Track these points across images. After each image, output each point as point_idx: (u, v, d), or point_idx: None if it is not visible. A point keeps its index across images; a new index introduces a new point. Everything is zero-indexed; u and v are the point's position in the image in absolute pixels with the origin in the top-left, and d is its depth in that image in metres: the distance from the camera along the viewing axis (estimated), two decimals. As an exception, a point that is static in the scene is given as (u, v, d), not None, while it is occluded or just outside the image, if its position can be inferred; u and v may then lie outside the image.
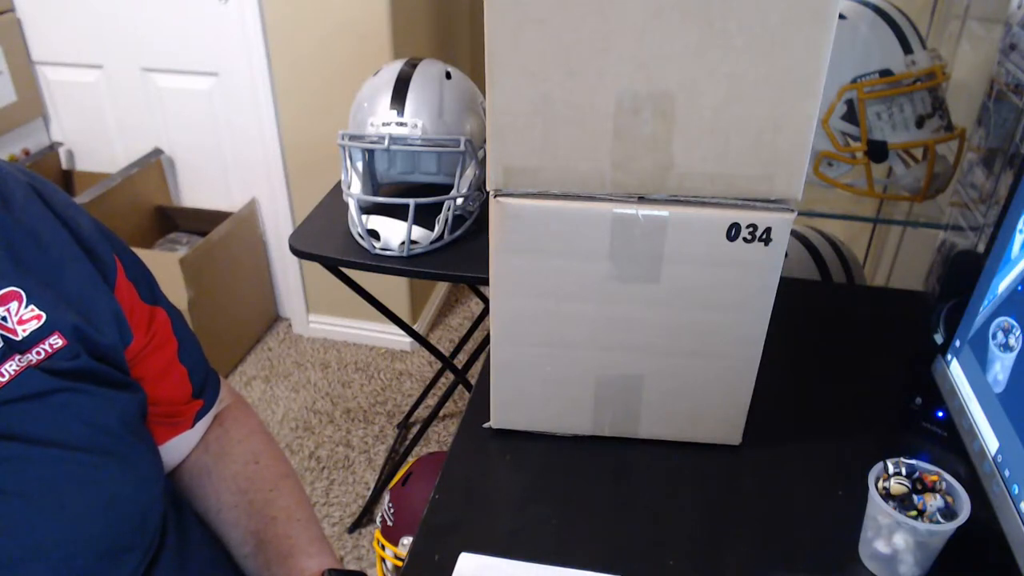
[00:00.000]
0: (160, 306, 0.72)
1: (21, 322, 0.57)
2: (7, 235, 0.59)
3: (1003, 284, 0.73)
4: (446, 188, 1.42)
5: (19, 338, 0.57)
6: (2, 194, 0.61)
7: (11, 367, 0.56)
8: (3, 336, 0.57)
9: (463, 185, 1.39)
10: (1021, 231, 0.72)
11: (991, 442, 0.71)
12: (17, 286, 0.58)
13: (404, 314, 2.30)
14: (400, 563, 1.32)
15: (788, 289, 0.75)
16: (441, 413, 2.01)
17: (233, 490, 0.77)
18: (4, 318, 0.57)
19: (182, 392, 0.75)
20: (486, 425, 0.86)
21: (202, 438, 0.80)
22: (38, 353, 0.58)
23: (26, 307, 0.58)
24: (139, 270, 0.71)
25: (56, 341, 0.59)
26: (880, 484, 0.69)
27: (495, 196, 0.70)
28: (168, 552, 0.66)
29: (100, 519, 0.59)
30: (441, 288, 2.60)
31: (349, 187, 1.41)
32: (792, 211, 0.69)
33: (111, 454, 0.60)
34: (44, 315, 0.58)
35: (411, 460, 1.56)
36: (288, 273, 2.39)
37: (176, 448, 0.77)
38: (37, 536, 0.55)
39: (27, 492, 0.55)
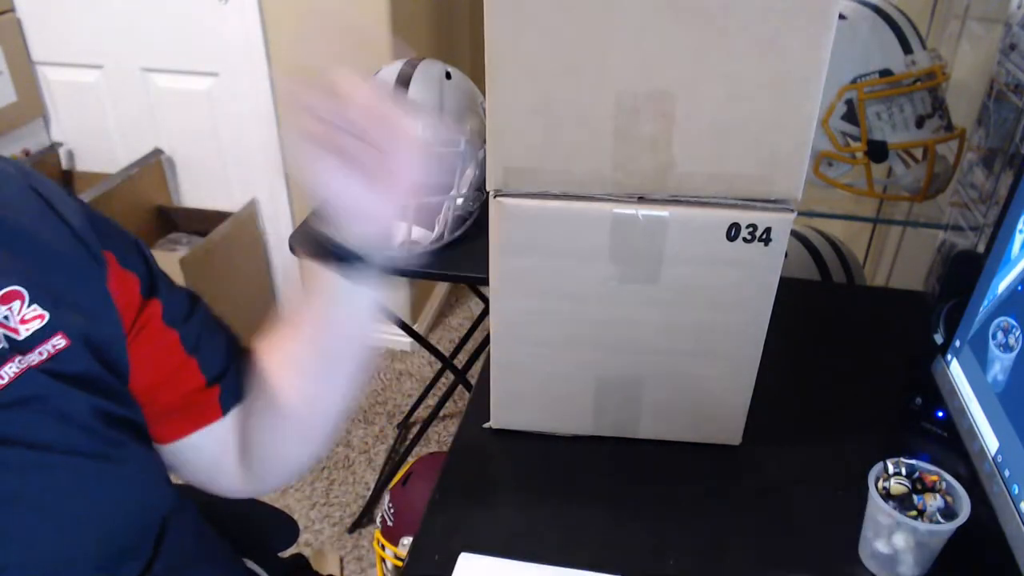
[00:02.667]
0: (157, 298, 0.67)
1: (23, 321, 0.56)
2: (6, 234, 0.58)
3: (1003, 284, 0.73)
4: (446, 188, 1.42)
5: (21, 338, 0.55)
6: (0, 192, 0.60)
7: (11, 369, 0.54)
8: (5, 335, 0.55)
9: (463, 185, 1.39)
10: (1021, 231, 0.72)
11: (991, 442, 0.71)
12: (19, 285, 0.56)
13: (404, 314, 2.30)
14: (400, 563, 1.32)
15: (788, 289, 0.75)
16: (441, 413, 2.00)
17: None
18: (6, 317, 0.55)
19: (192, 382, 0.68)
20: (486, 425, 0.85)
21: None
22: (40, 354, 0.56)
23: (28, 307, 0.56)
24: (136, 260, 0.66)
25: (59, 342, 0.57)
26: (880, 484, 0.69)
27: (495, 196, 0.70)
28: (167, 557, 0.65)
29: (100, 526, 0.58)
30: (441, 288, 2.59)
31: (349, 187, 1.41)
32: (792, 211, 0.69)
33: (112, 459, 0.59)
34: (47, 315, 0.57)
35: (411, 460, 1.56)
36: (288, 273, 2.39)
37: (205, 442, 0.69)
38: (36, 544, 0.54)
39: (27, 499, 0.54)
